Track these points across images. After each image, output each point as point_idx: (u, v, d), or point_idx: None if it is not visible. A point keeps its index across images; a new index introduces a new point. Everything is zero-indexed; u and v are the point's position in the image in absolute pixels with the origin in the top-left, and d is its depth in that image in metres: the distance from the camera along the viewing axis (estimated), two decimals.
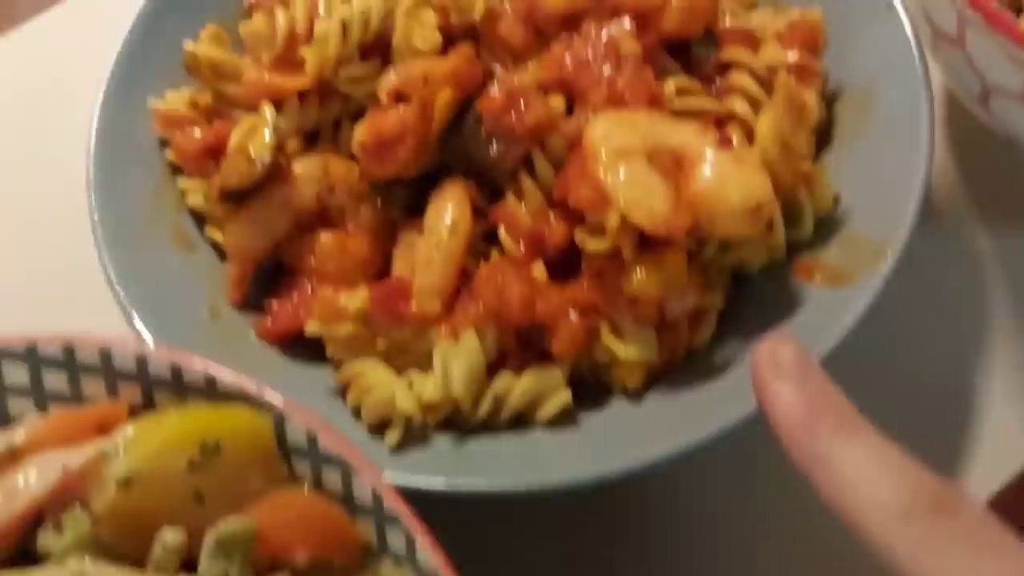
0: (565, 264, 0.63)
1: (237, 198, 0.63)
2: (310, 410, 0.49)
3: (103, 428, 0.49)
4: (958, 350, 0.69)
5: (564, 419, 0.60)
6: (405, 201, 0.67)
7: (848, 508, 0.41)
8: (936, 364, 0.69)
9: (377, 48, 0.67)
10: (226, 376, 0.50)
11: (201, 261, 0.66)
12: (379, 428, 0.60)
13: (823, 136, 0.68)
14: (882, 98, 0.66)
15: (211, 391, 0.50)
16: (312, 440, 0.49)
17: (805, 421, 0.43)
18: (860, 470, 0.41)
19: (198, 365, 0.50)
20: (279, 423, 0.49)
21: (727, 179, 0.57)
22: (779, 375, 0.45)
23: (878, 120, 0.66)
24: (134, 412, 0.51)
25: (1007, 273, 0.72)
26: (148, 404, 0.52)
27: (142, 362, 0.51)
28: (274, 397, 0.49)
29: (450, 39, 0.67)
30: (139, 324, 0.60)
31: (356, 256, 0.66)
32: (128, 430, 0.47)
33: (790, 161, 0.62)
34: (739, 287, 0.65)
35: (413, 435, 0.59)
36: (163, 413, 0.49)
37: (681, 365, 0.63)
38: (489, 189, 0.65)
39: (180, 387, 0.51)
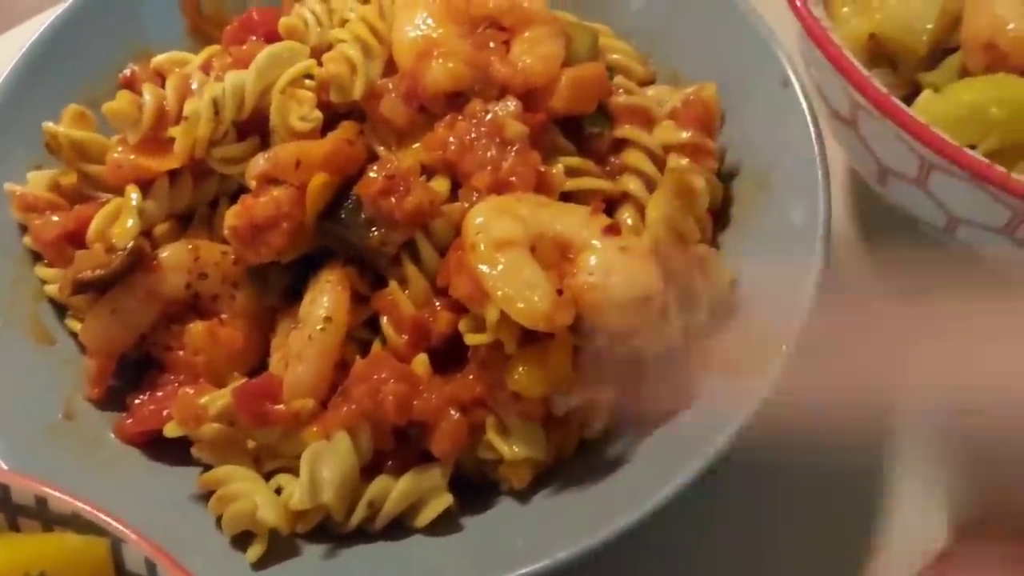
0: (452, 354, 0.59)
1: (96, 288, 0.58)
2: (150, 534, 0.45)
3: None
4: (864, 423, 0.67)
5: (446, 523, 0.57)
6: (284, 286, 0.63)
7: None
8: (842, 439, 0.66)
9: (256, 126, 0.64)
10: (58, 497, 0.46)
11: (60, 355, 0.62)
12: (244, 538, 0.55)
13: (721, 215, 0.66)
14: (779, 175, 0.64)
15: (42, 513, 0.46)
16: (151, 567, 0.44)
17: None
18: None
19: (27, 485, 0.46)
20: (116, 548, 0.45)
21: (612, 270, 0.54)
22: None
23: (775, 199, 0.64)
24: None
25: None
26: None
27: None
28: (110, 520, 0.45)
29: (334, 118, 0.64)
30: None
31: (229, 347, 0.61)
32: None
33: (682, 246, 0.59)
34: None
35: (280, 546, 0.55)
36: None
37: (572, 459, 0.59)
38: (372, 274, 0.62)
39: (8, 508, 0.47)
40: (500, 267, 0.53)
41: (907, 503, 0.64)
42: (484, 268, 0.53)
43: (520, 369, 0.54)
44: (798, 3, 0.56)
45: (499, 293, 0.53)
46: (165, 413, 0.58)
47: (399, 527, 0.56)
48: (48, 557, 0.44)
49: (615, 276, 0.54)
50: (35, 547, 0.44)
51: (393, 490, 0.55)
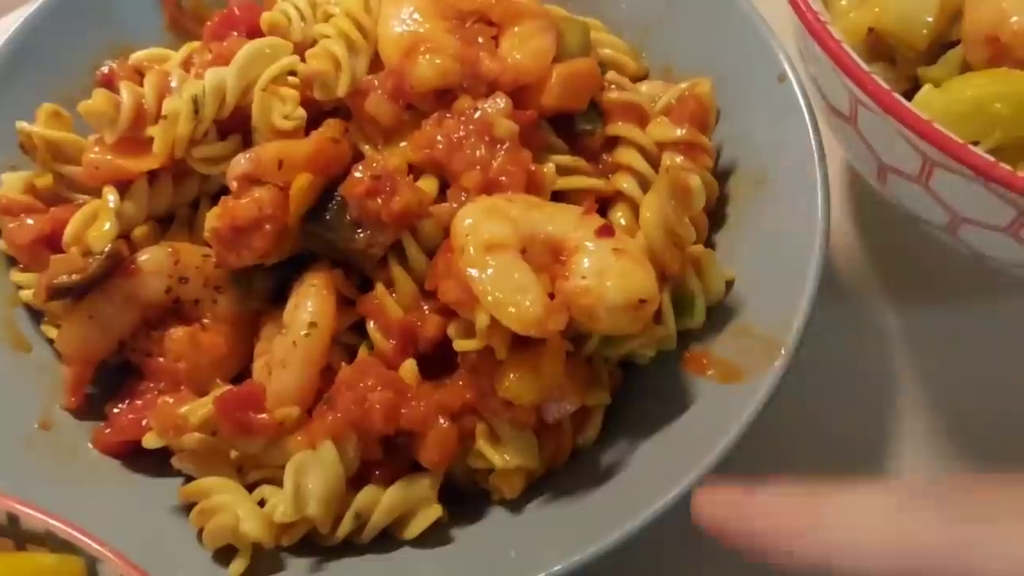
0: (441, 359, 0.58)
1: (73, 294, 0.57)
2: (129, 547, 0.43)
3: None
4: (865, 425, 0.65)
5: (436, 534, 0.55)
6: (267, 290, 0.61)
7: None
8: (844, 441, 0.64)
9: (237, 124, 0.62)
10: (31, 514, 0.44)
11: (36, 362, 0.60)
12: (226, 552, 0.54)
13: (717, 214, 0.64)
14: (776, 173, 0.63)
15: (15, 531, 0.44)
16: None
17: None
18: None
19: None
20: (92, 568, 0.43)
21: (606, 273, 0.52)
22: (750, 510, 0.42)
23: (772, 198, 0.62)
24: None
25: (911, 344, 0.68)
26: None
27: None
28: (84, 539, 0.43)
29: (318, 116, 0.62)
30: None
31: (212, 353, 0.60)
32: None
33: (677, 247, 0.57)
34: (628, 378, 0.60)
35: (264, 560, 0.53)
36: None
37: (565, 468, 0.58)
38: (359, 276, 0.60)
39: None
40: (490, 271, 0.52)
41: None
42: (473, 272, 0.52)
43: (511, 376, 0.52)
44: None
45: (489, 298, 0.51)
46: (144, 423, 0.56)
47: (388, 539, 0.55)
48: None
49: (609, 279, 0.52)
50: (7, 567, 0.43)
51: (381, 501, 0.54)
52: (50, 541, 0.43)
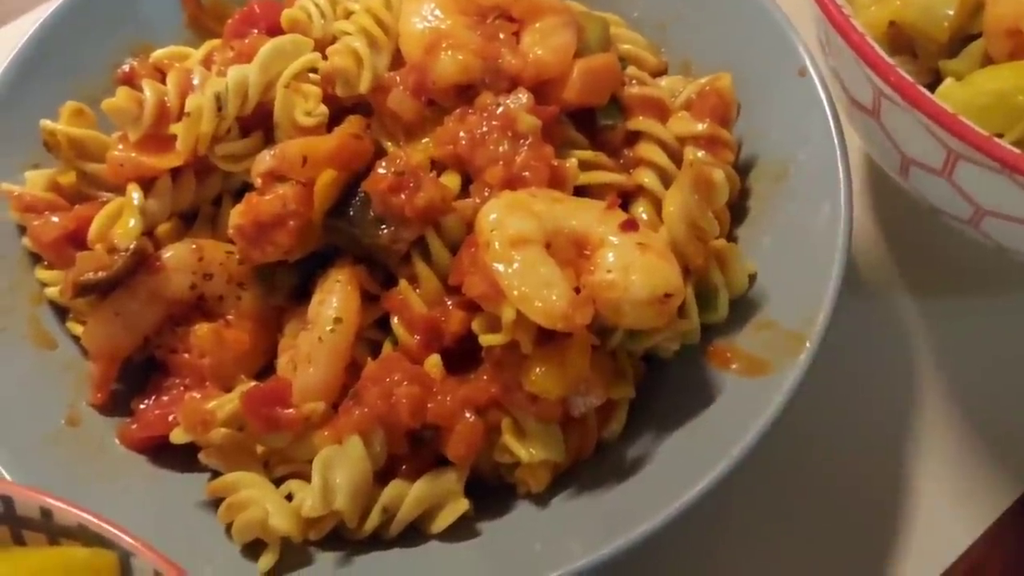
0: (465, 354, 0.58)
1: (99, 291, 0.57)
2: (157, 543, 0.43)
3: None
4: (884, 416, 0.65)
5: (462, 528, 0.55)
6: (291, 286, 0.62)
7: None
8: (865, 436, 0.65)
9: (259, 121, 0.62)
10: (64, 508, 0.44)
11: (62, 359, 0.60)
12: (255, 546, 0.54)
13: (738, 209, 0.64)
14: (798, 167, 0.63)
15: (48, 525, 0.44)
16: None
17: None
18: None
19: (32, 497, 0.44)
20: (125, 561, 0.43)
21: (631, 267, 0.52)
22: None
23: (793, 192, 0.62)
24: None
25: (933, 338, 0.68)
26: None
27: None
28: (117, 533, 0.43)
29: (340, 112, 0.62)
30: None
31: (236, 349, 0.60)
32: None
33: (700, 241, 0.57)
34: (652, 372, 0.60)
35: (292, 554, 0.53)
36: None
37: (590, 461, 0.58)
38: (382, 272, 0.60)
39: (13, 520, 0.45)
40: (516, 265, 0.52)
41: (932, 503, 0.62)
42: (499, 267, 0.52)
43: (537, 370, 0.53)
44: None
45: (515, 292, 0.51)
46: (171, 418, 0.57)
47: (414, 533, 0.55)
48: (54, 571, 0.42)
49: (634, 274, 0.52)
50: (40, 561, 0.43)
51: (408, 495, 0.54)
52: (83, 535, 0.44)
